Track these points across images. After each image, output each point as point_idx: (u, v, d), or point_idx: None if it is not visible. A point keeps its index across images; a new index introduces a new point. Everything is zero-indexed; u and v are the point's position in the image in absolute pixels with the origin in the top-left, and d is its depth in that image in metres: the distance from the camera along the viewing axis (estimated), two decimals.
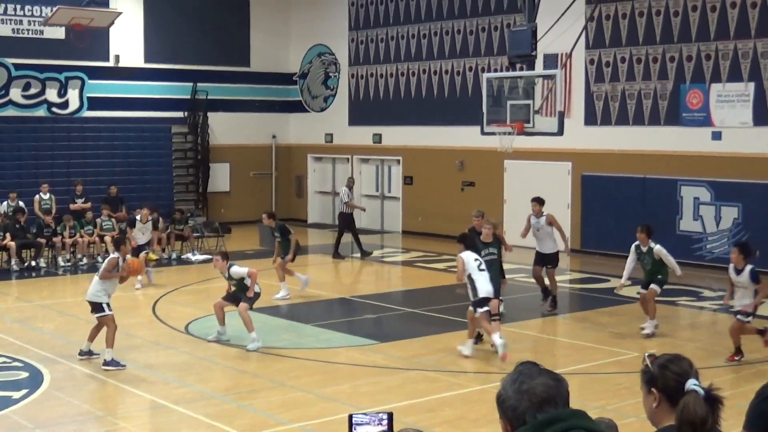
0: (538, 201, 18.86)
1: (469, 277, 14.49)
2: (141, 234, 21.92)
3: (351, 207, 25.93)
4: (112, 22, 27.91)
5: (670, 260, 16.10)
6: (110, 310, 14.16)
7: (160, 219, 26.20)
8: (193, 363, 14.56)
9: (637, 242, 16.38)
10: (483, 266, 14.64)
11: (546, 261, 18.43)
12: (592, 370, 13.81)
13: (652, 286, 16.08)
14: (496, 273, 15.57)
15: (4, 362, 14.12)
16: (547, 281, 18.51)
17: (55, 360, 14.31)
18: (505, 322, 17.12)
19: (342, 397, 12.40)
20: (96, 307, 14.21)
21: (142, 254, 20.61)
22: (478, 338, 15.16)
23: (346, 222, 25.83)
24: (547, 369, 3.39)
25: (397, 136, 31.02)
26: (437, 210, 28.12)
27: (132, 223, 22.16)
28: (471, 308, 14.46)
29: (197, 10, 32.54)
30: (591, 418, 3.31)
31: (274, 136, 34.63)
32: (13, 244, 23.43)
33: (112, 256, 14.75)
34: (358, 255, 25.38)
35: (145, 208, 22.61)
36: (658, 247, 15.98)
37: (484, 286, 14.40)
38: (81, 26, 26.60)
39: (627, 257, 23.62)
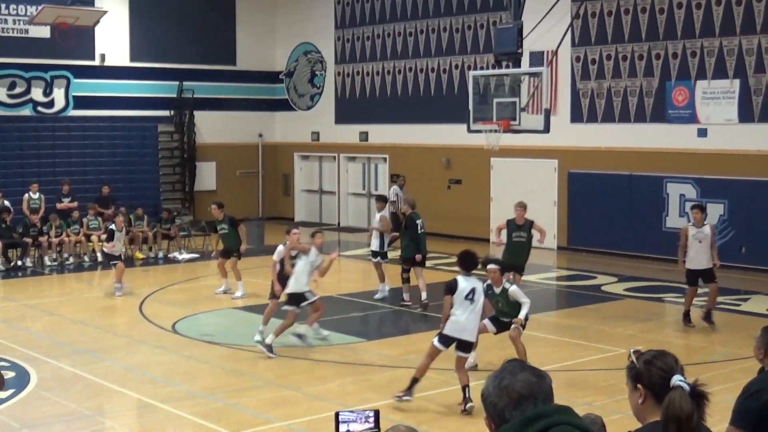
0: (701, 208, 16.95)
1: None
2: (119, 243, 21.04)
3: (399, 211, 25.02)
4: (98, 21, 27.82)
5: (525, 300, 13.14)
6: (315, 295, 14.90)
7: (146, 217, 26.23)
8: (180, 362, 14.54)
9: (488, 281, 13.01)
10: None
11: (704, 277, 16.64)
12: (578, 367, 13.84)
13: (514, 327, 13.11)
14: (522, 252, 17.80)
15: None
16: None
17: (42, 359, 14.28)
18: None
19: (329, 395, 12.40)
20: (298, 297, 14.71)
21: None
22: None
23: (396, 222, 23.32)
24: (531, 366, 3.39)
25: (383, 134, 31.02)
26: (424, 208, 27.91)
27: (111, 236, 20.69)
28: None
29: (183, 8, 32.48)
30: (576, 413, 3.31)
31: (260, 135, 34.60)
32: (0, 243, 23.39)
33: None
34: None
35: (120, 216, 22.07)
36: (513, 289, 13.17)
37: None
38: (66, 25, 26.52)
39: (613, 254, 23.77)
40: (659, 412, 3.90)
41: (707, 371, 12.64)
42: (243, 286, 19.69)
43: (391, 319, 17.73)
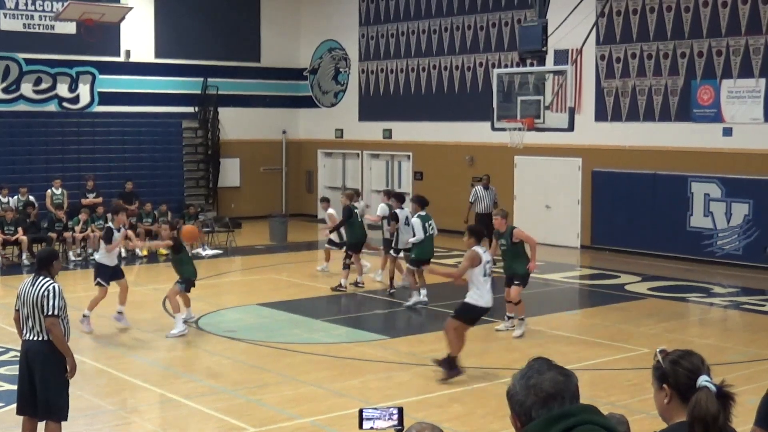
0: None
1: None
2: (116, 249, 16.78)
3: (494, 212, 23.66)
4: (123, 17, 27.95)
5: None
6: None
7: (169, 213, 26.34)
8: (204, 357, 14.60)
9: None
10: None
11: None
12: (602, 366, 13.81)
13: None
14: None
15: (15, 356, 14.16)
16: None
17: None
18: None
19: (352, 392, 12.41)
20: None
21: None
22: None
23: (483, 223, 21.50)
24: (557, 364, 3.39)
25: (407, 131, 31.01)
26: (447, 205, 28.05)
27: (109, 235, 16.59)
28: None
29: (208, 5, 32.57)
30: (602, 413, 3.31)
31: (284, 132, 34.66)
32: (25, 238, 23.49)
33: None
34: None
35: (121, 213, 17.49)
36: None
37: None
38: (92, 21, 26.65)
39: (637, 253, 23.72)
40: (685, 412, 3.90)
41: (731, 371, 12.58)
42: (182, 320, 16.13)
43: (414, 316, 17.73)
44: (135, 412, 11.96)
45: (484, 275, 13.00)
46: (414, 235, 18.26)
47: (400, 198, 20.37)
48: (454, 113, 29.24)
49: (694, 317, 18.35)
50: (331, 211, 22.99)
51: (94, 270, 16.99)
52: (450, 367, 12.83)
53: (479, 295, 12.93)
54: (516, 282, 15.68)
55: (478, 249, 13.14)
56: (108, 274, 16.41)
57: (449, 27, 29.61)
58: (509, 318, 15.93)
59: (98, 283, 16.34)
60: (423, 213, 18.39)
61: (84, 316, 16.03)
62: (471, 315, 13.08)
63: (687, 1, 23.57)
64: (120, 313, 16.43)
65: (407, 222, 18.94)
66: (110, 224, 17.08)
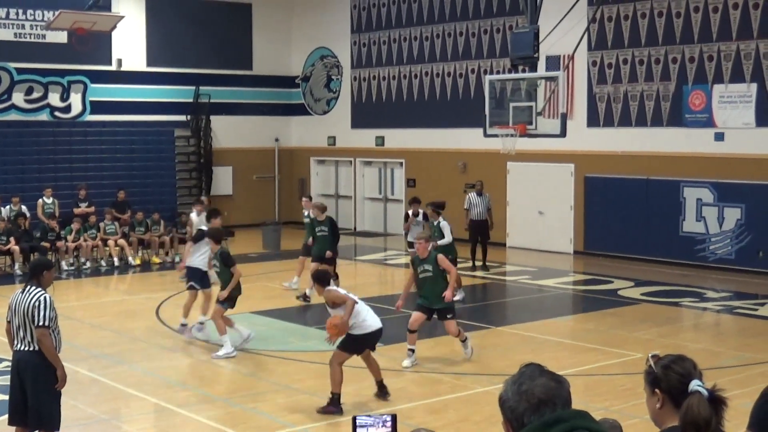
0: None
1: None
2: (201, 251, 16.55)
3: (491, 217, 23.83)
4: (115, 26, 27.92)
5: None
6: None
7: (162, 222, 26.32)
8: (197, 366, 14.57)
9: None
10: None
11: None
12: (595, 372, 13.81)
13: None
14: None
15: (7, 367, 14.12)
16: None
17: None
18: (510, 323, 17.14)
19: (346, 399, 12.37)
20: None
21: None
22: None
23: (477, 230, 23.48)
24: (549, 370, 3.38)
25: (399, 138, 31.02)
26: None
27: (200, 236, 16.62)
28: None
29: (199, 13, 32.57)
30: (594, 418, 3.31)
31: (276, 139, 34.65)
32: (17, 248, 23.43)
33: None
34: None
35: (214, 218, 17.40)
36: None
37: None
38: (83, 30, 26.62)
39: (630, 258, 23.72)
40: (677, 417, 3.90)
41: (724, 376, 12.60)
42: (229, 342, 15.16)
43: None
44: (128, 422, 11.94)
45: (356, 302, 12.14)
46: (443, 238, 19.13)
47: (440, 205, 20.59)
48: (447, 120, 29.26)
49: (687, 322, 18.37)
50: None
51: (186, 275, 16.85)
52: (335, 404, 11.88)
53: (361, 322, 12.10)
54: (449, 315, 14.42)
55: (334, 288, 12.40)
56: (200, 277, 16.47)
57: (441, 34, 29.64)
58: (412, 351, 14.49)
59: (190, 287, 16.45)
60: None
61: (182, 325, 16.20)
62: (364, 344, 12.30)
63: (678, 6, 23.63)
64: (201, 323, 16.16)
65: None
66: (203, 226, 17.05)
